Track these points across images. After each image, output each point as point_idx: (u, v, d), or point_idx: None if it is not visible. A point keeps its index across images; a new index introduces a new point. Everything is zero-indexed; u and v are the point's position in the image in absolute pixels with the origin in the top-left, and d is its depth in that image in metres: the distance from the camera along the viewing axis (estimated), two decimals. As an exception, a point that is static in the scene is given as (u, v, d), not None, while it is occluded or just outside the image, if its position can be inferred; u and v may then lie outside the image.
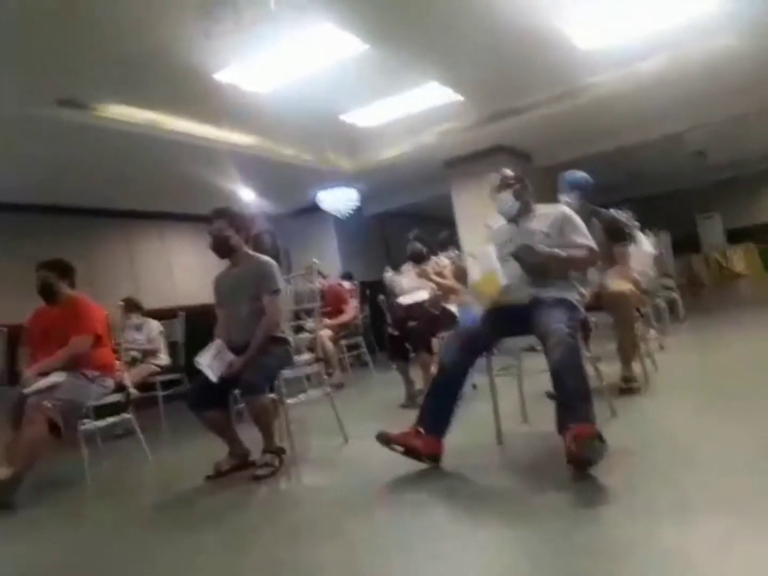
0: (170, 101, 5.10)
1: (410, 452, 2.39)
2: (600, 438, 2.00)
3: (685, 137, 8.77)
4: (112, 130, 5.02)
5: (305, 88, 4.97)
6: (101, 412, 3.55)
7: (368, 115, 6.06)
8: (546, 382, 2.79)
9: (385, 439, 2.42)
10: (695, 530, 1.52)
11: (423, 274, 4.18)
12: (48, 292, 3.46)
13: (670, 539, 1.49)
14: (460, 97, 5.91)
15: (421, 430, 2.41)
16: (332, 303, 5.88)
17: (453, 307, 4.09)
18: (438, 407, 2.45)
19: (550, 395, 2.98)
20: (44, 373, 3.19)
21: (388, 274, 4.81)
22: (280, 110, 5.37)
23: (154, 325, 5.29)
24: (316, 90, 5.07)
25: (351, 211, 8.31)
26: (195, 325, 5.37)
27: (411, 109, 5.97)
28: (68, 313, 3.38)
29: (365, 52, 4.52)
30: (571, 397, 2.18)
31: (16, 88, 4.13)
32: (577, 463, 1.99)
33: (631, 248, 3.81)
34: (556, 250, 2.58)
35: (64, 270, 3.53)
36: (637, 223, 4.79)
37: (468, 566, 1.57)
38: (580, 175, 3.61)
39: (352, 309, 6.11)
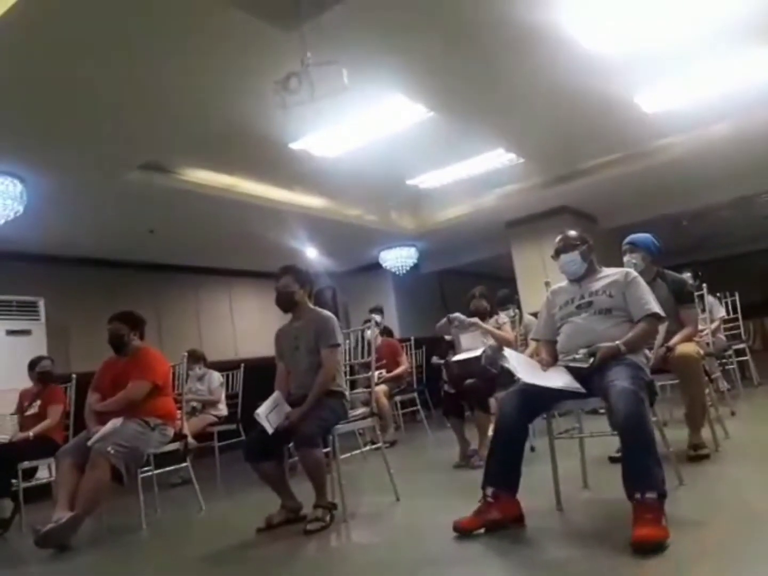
0: (246, 167, 5.43)
1: (492, 527, 2.31)
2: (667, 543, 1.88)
3: (758, 200, 8.50)
4: (191, 193, 5.36)
5: (373, 152, 5.17)
6: (160, 460, 3.64)
7: (432, 178, 6.22)
8: (609, 446, 2.70)
9: (462, 529, 2.32)
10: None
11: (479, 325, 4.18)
12: (118, 343, 3.61)
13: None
14: (522, 160, 5.98)
15: (489, 491, 2.34)
16: (388, 356, 5.88)
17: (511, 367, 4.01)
18: (504, 463, 2.38)
19: (612, 459, 2.86)
20: (104, 419, 3.31)
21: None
22: (347, 174, 5.60)
23: (216, 377, 5.43)
24: (383, 154, 5.27)
25: (408, 268, 8.42)
26: (254, 378, 5.48)
27: (473, 171, 6.09)
28: (134, 363, 3.52)
29: (431, 120, 4.68)
30: (637, 459, 2.08)
31: (104, 153, 4.49)
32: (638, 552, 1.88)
33: (699, 310, 3.67)
34: (628, 337, 2.50)
35: (135, 322, 3.69)
36: (702, 285, 4.64)
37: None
38: (645, 235, 3.56)
39: (406, 362, 6.09)
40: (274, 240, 7.00)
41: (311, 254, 7.86)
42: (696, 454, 3.07)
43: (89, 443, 3.18)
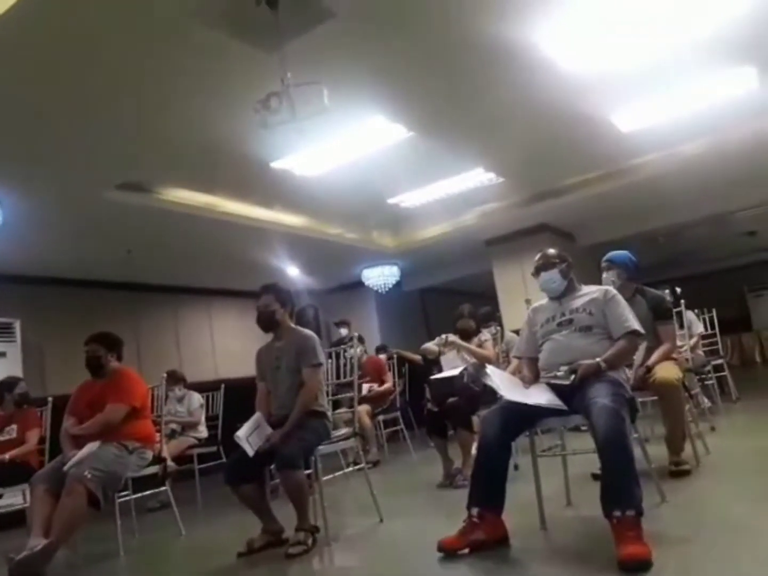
0: (227, 186, 5.40)
1: (477, 547, 2.30)
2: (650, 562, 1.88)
3: (733, 217, 8.67)
4: (170, 212, 5.31)
5: (353, 172, 5.19)
6: (138, 483, 3.56)
7: (412, 197, 6.26)
8: (591, 464, 2.70)
9: (447, 549, 2.31)
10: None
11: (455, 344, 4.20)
12: (95, 366, 3.54)
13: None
14: (502, 179, 6.05)
15: (475, 511, 2.33)
16: (372, 373, 5.85)
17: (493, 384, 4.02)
18: (489, 483, 2.38)
19: (595, 477, 2.86)
20: (80, 443, 3.24)
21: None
22: (328, 193, 5.60)
23: (196, 398, 5.36)
24: (363, 174, 5.29)
25: (390, 286, 8.45)
26: (234, 398, 5.41)
27: (453, 190, 6.14)
28: (111, 385, 3.46)
29: (411, 140, 4.72)
30: (617, 477, 2.09)
31: (81, 172, 4.45)
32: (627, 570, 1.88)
33: (676, 327, 3.72)
34: (608, 354, 2.53)
35: (113, 343, 3.63)
36: (681, 302, 4.72)
37: None
38: (623, 253, 3.60)
39: (390, 379, 6.07)
40: (254, 259, 6.98)
41: (293, 273, 7.83)
42: (677, 470, 3.08)
43: (65, 468, 3.10)
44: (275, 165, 4.89)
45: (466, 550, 2.30)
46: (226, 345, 8.22)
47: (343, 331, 6.18)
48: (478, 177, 5.90)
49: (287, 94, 3.11)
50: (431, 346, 4.49)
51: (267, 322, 3.20)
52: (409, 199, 6.31)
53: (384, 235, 7.74)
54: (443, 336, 4.34)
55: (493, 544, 2.31)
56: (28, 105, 3.50)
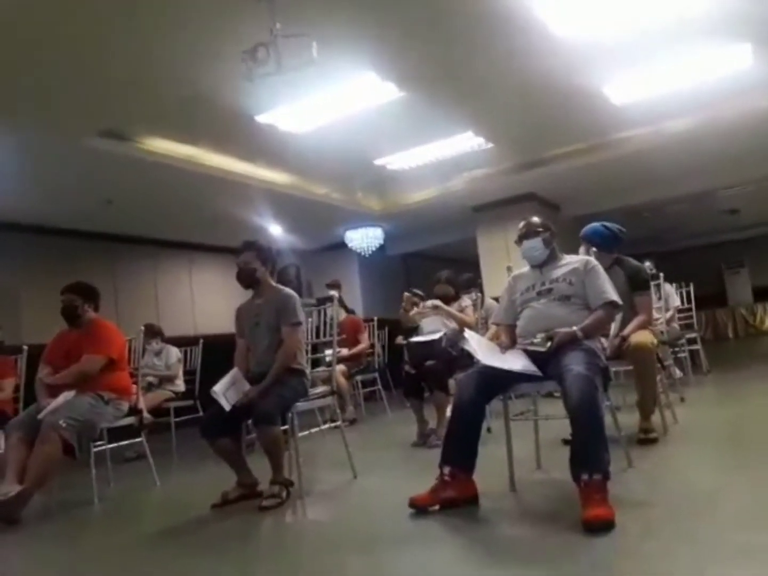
0: (210, 138, 5.29)
1: (447, 505, 2.35)
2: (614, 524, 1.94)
3: (717, 195, 8.73)
4: (151, 163, 5.21)
5: (341, 130, 5.11)
6: (114, 434, 3.57)
7: (400, 159, 6.19)
8: (562, 429, 2.75)
9: (418, 505, 2.35)
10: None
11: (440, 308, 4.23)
12: (71, 315, 3.51)
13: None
14: (491, 145, 6.00)
15: (446, 470, 2.38)
16: (349, 333, 5.87)
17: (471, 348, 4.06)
18: (461, 443, 2.42)
19: (566, 442, 2.92)
20: (55, 392, 3.23)
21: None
22: (314, 151, 5.52)
23: (173, 352, 5.34)
24: (351, 133, 5.21)
25: (374, 249, 8.42)
26: (213, 354, 5.41)
27: (442, 154, 6.08)
28: (87, 335, 3.43)
29: (402, 100, 4.64)
30: (587, 442, 2.13)
31: (62, 117, 4.32)
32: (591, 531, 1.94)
33: (654, 298, 3.76)
34: (585, 323, 2.55)
35: (89, 294, 3.59)
36: (660, 274, 4.78)
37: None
38: (594, 227, 3.59)
39: (366, 340, 6.10)
40: (237, 215, 6.89)
41: (275, 231, 7.76)
42: (645, 438, 3.17)
43: (40, 416, 3.10)
44: (260, 119, 4.79)
45: (437, 507, 2.35)
46: (206, 301, 8.18)
47: (333, 293, 6.12)
48: (467, 141, 5.84)
49: (275, 45, 3.03)
50: (412, 316, 4.50)
51: (247, 279, 3.18)
52: (397, 161, 6.25)
53: (369, 197, 7.68)
54: (428, 302, 4.36)
55: (463, 502, 2.36)
56: (10, 42, 3.37)
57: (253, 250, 3.19)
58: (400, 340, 5.54)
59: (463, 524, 2.23)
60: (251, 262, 3.15)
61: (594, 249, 3.47)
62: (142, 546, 2.49)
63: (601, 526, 1.90)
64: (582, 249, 3.52)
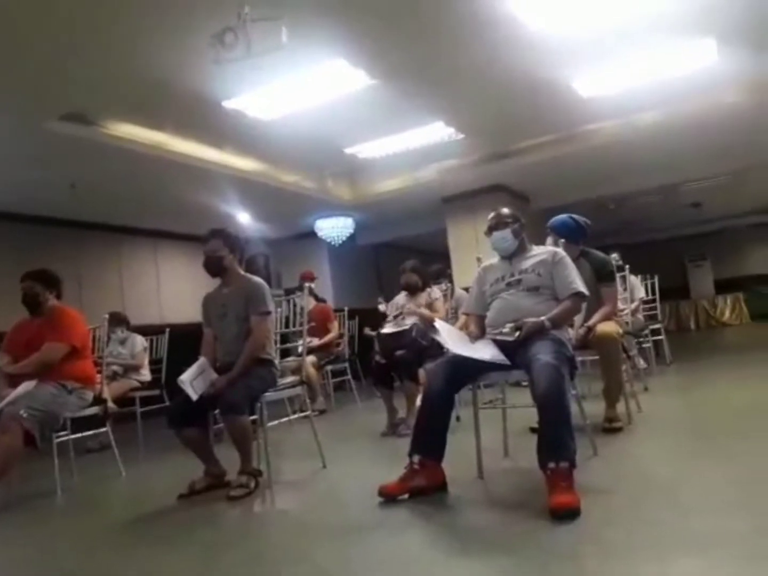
0: (176, 123, 5.18)
1: (417, 493, 2.36)
2: (579, 511, 1.97)
3: (681, 188, 8.93)
4: (115, 148, 5.07)
5: (310, 118, 5.05)
6: (78, 424, 3.50)
7: (371, 148, 6.16)
8: (530, 418, 2.79)
9: (387, 494, 2.37)
10: (671, 569, 1.50)
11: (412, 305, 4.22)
12: (32, 303, 3.43)
13: (646, 578, 1.47)
14: (462, 136, 6.01)
15: (416, 458, 2.40)
16: (318, 321, 5.84)
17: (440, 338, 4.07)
18: (431, 432, 2.44)
19: (533, 430, 2.96)
20: (16, 381, 3.15)
21: (382, 306, 4.85)
22: (283, 138, 5.45)
23: (139, 341, 5.25)
24: (321, 121, 5.15)
25: (344, 239, 8.38)
26: (179, 343, 5.32)
27: (412, 144, 6.07)
28: (49, 323, 3.35)
29: (373, 88, 4.61)
30: (554, 431, 2.17)
31: (22, 99, 4.17)
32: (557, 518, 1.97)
33: (619, 289, 3.83)
34: (553, 313, 2.59)
35: (50, 281, 3.50)
36: (625, 266, 4.87)
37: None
38: (562, 218, 3.64)
39: (336, 329, 6.08)
40: (204, 202, 6.78)
41: (244, 219, 7.66)
42: (610, 427, 3.24)
43: (0, 407, 3.01)
44: (227, 104, 4.70)
45: (406, 496, 2.36)
46: (173, 289, 8.05)
47: (308, 284, 6.04)
48: (438, 132, 5.85)
49: (243, 28, 2.98)
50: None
51: (214, 267, 3.13)
52: (368, 150, 6.22)
53: (340, 186, 7.63)
54: (402, 316, 4.31)
55: (432, 490, 2.38)
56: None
57: (220, 237, 3.14)
58: (368, 331, 5.52)
59: (432, 511, 2.25)
60: (219, 250, 3.11)
61: (562, 240, 3.51)
62: (108, 536, 2.45)
63: (567, 513, 1.94)
64: (549, 240, 3.56)
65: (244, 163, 6.19)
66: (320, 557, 1.90)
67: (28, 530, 2.69)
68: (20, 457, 3.04)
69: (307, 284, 5.21)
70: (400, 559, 1.82)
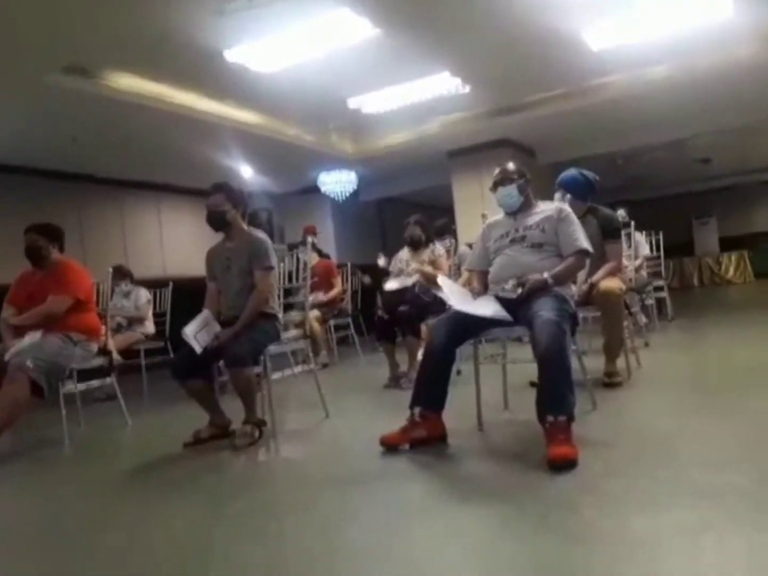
0: (177, 75, 5.07)
1: (417, 444, 2.40)
2: (576, 462, 2.00)
3: (691, 143, 8.78)
4: (116, 100, 5.00)
5: (313, 69, 4.94)
6: (84, 376, 3.54)
7: (375, 100, 6.03)
8: (530, 372, 2.82)
9: (388, 444, 2.41)
10: (666, 520, 1.53)
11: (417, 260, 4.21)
12: (35, 256, 3.43)
13: (642, 527, 1.50)
14: (468, 88, 5.87)
15: (417, 410, 2.43)
16: (322, 277, 5.84)
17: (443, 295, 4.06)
18: (432, 384, 2.47)
19: (533, 384, 3.00)
20: (21, 332, 3.18)
21: (381, 261, 4.84)
22: (285, 90, 5.34)
23: (143, 294, 5.27)
24: (324, 72, 5.04)
25: (348, 194, 8.30)
26: (183, 296, 5.34)
27: (418, 97, 5.94)
28: (52, 276, 3.36)
29: (377, 37, 4.48)
30: (554, 385, 2.19)
31: (22, 53, 4.08)
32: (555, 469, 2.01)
33: (624, 246, 3.81)
34: (556, 270, 2.58)
35: (54, 234, 3.49)
36: (631, 223, 4.83)
37: (440, 539, 1.58)
38: (572, 174, 3.59)
39: (339, 285, 6.09)
40: (206, 156, 6.71)
41: (246, 173, 7.59)
42: (610, 382, 3.27)
43: (6, 357, 3.05)
44: (229, 56, 4.59)
45: (407, 446, 2.41)
46: (176, 243, 8.04)
47: (309, 238, 6.00)
48: (444, 83, 5.71)
49: (245, -25, 2.87)
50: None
51: (217, 222, 3.12)
52: (372, 103, 6.09)
53: (343, 140, 7.52)
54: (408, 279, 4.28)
55: (433, 441, 2.43)
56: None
57: (222, 192, 3.12)
58: (366, 279, 5.50)
59: (432, 461, 2.30)
60: (221, 205, 3.09)
61: (569, 196, 3.47)
62: (115, 482, 2.51)
63: (565, 465, 1.97)
64: (557, 195, 3.51)
65: (247, 116, 6.09)
66: (323, 505, 1.95)
67: (38, 477, 2.76)
68: (27, 407, 3.09)
69: (310, 239, 5.18)
70: (401, 507, 1.86)
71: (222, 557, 1.60)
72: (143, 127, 5.72)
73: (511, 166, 2.87)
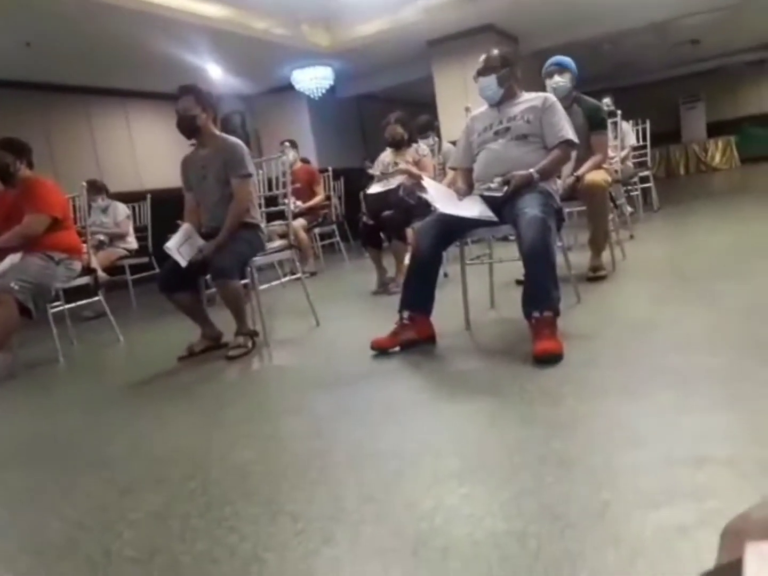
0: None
1: (407, 346, 2.45)
2: (562, 356, 2.05)
3: (680, 23, 8.41)
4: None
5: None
6: (70, 294, 3.53)
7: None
8: (516, 271, 2.84)
9: (379, 347, 2.45)
10: (644, 404, 1.60)
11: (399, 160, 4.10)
12: (3, 174, 3.29)
13: (620, 411, 1.57)
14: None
15: (406, 314, 2.46)
16: (304, 183, 5.72)
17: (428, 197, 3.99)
18: (420, 287, 2.49)
19: (519, 282, 3.03)
20: (0, 255, 3.13)
21: (371, 170, 4.73)
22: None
23: (121, 209, 5.16)
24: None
25: (324, 90, 7.95)
26: (163, 209, 5.23)
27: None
28: (25, 195, 3.25)
29: None
30: (539, 282, 2.21)
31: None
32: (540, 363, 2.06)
33: (610, 137, 3.74)
34: (542, 164, 2.51)
35: (20, 149, 3.34)
36: (618, 112, 4.71)
37: (428, 431, 1.66)
38: (560, 57, 3.48)
39: (323, 192, 5.98)
40: (171, 56, 6.31)
41: (215, 73, 7.19)
42: (595, 276, 3.31)
43: (-14, 278, 3.02)
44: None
45: (397, 349, 2.46)
46: (149, 153, 7.77)
47: (291, 153, 5.79)
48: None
49: None
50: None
51: (187, 127, 2.98)
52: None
53: (316, 32, 7.10)
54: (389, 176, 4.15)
55: (422, 342, 2.48)
56: None
57: (191, 94, 2.96)
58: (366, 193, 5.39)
59: (422, 360, 2.36)
60: (191, 109, 2.94)
61: (570, 77, 3.37)
62: (114, 396, 2.57)
63: (550, 359, 2.03)
64: (556, 78, 3.41)
65: (209, 9, 5.70)
66: (317, 406, 2.02)
67: (36, 395, 2.82)
68: (17, 328, 3.10)
69: (287, 143, 5.02)
70: (392, 403, 1.92)
71: (221, 460, 1.67)
72: (100, 27, 5.33)
73: (495, 53, 2.73)
